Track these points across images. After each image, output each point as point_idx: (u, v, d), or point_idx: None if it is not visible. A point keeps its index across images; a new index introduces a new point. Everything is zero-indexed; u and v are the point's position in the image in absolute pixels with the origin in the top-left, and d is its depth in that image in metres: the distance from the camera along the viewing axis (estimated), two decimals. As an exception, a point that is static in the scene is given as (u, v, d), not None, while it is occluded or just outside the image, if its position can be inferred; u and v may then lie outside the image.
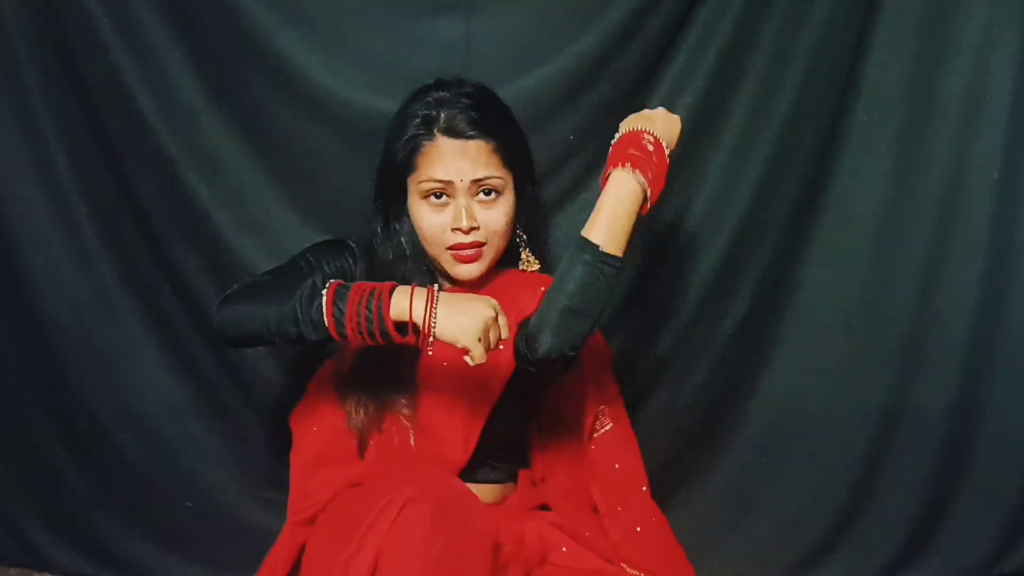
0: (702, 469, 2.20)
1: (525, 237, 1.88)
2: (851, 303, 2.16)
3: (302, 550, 1.77)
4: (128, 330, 2.14)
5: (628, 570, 1.84)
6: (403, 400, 1.80)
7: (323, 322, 1.59)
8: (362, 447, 1.82)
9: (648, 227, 2.05)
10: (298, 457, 1.84)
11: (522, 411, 1.88)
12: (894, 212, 2.15)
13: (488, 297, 1.65)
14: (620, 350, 2.08)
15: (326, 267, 1.81)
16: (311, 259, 1.81)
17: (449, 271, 1.82)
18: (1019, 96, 2.11)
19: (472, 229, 1.77)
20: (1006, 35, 2.10)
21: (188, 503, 2.14)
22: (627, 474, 1.92)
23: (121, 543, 2.16)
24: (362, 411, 1.81)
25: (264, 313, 1.63)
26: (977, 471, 2.18)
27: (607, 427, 1.93)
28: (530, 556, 1.77)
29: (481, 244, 1.79)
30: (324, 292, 1.60)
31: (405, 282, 1.64)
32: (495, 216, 1.79)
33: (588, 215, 2.00)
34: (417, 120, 1.78)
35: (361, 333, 1.59)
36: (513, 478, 1.89)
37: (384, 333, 1.59)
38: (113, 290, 2.14)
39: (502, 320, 1.63)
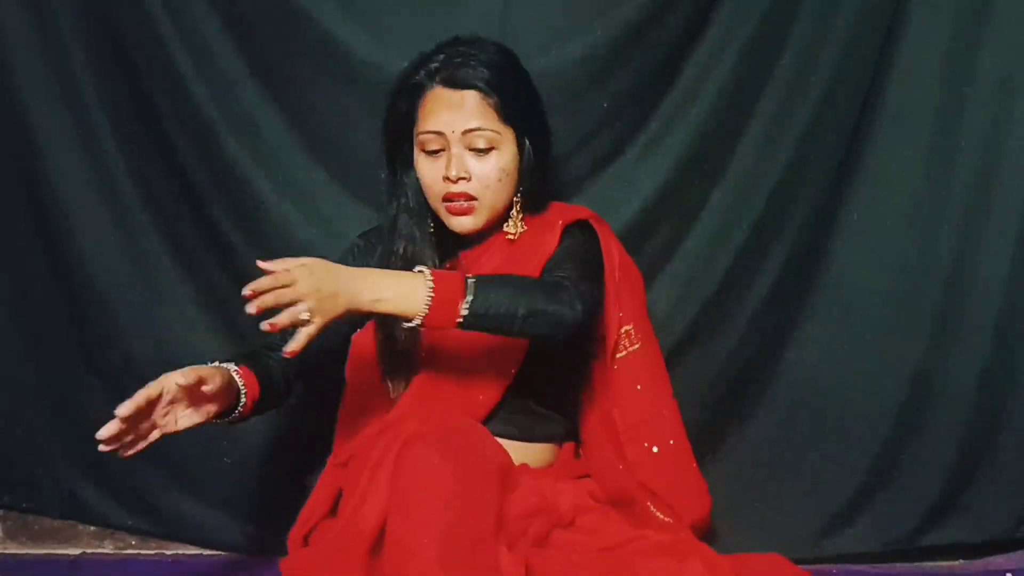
0: (731, 434, 2.21)
1: (518, 199, 1.84)
2: (883, 277, 2.17)
3: (339, 493, 1.80)
4: (169, 289, 2.18)
5: (656, 514, 1.85)
6: (425, 356, 1.81)
7: None
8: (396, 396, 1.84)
9: (680, 198, 2.13)
10: (344, 404, 1.88)
11: (561, 367, 1.86)
12: (928, 189, 2.15)
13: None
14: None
15: None
16: None
17: (447, 224, 1.82)
18: None
19: (460, 179, 1.77)
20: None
21: (227, 459, 2.18)
22: (648, 395, 1.90)
23: (161, 496, 2.20)
24: (394, 363, 1.83)
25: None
26: (1004, 439, 2.16)
27: (634, 347, 1.90)
28: (559, 516, 1.76)
29: (473, 197, 1.78)
30: None
31: (410, 236, 1.75)
32: (487, 169, 1.78)
33: (619, 186, 2.11)
34: (421, 70, 1.80)
35: None
36: (553, 439, 1.89)
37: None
38: (155, 251, 2.18)
39: None
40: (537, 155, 1.84)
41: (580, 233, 1.84)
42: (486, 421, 1.79)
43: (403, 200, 1.86)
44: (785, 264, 2.15)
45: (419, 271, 1.62)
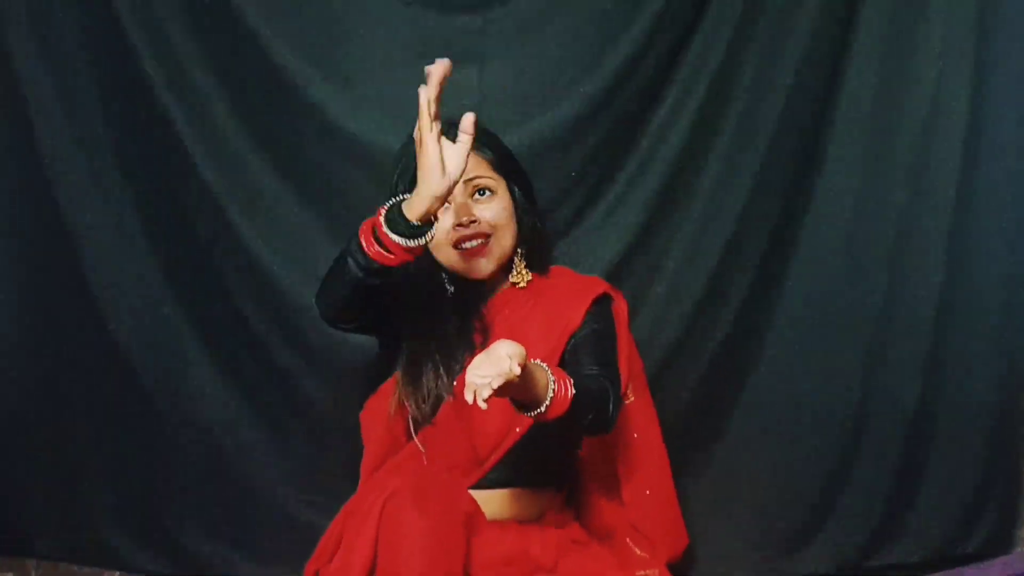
0: (695, 461, 2.34)
1: (521, 251, 1.97)
2: (826, 310, 2.33)
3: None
4: (189, 350, 2.34)
5: (634, 550, 1.97)
6: (447, 394, 1.91)
7: (365, 253, 1.70)
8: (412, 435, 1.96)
9: (649, 245, 2.30)
10: (366, 456, 2.00)
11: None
12: (861, 224, 2.31)
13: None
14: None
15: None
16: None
17: (464, 272, 1.92)
18: (975, 115, 2.27)
19: (472, 222, 1.89)
20: (962, 59, 2.27)
21: (248, 506, 2.33)
22: (643, 442, 2.03)
23: (183, 540, 2.33)
24: (412, 403, 1.93)
25: (334, 280, 1.79)
26: (939, 460, 2.32)
27: (630, 400, 2.02)
28: (538, 562, 1.88)
29: (486, 235, 1.91)
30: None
31: (429, 296, 1.89)
32: (493, 209, 1.92)
33: (589, 242, 2.26)
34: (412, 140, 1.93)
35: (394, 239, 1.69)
36: (555, 487, 2.01)
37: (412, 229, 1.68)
38: (175, 315, 2.34)
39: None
40: (527, 201, 1.99)
41: (602, 312, 1.95)
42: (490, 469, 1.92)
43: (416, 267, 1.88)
44: (740, 310, 2.32)
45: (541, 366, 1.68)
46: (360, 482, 2.01)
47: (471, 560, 1.78)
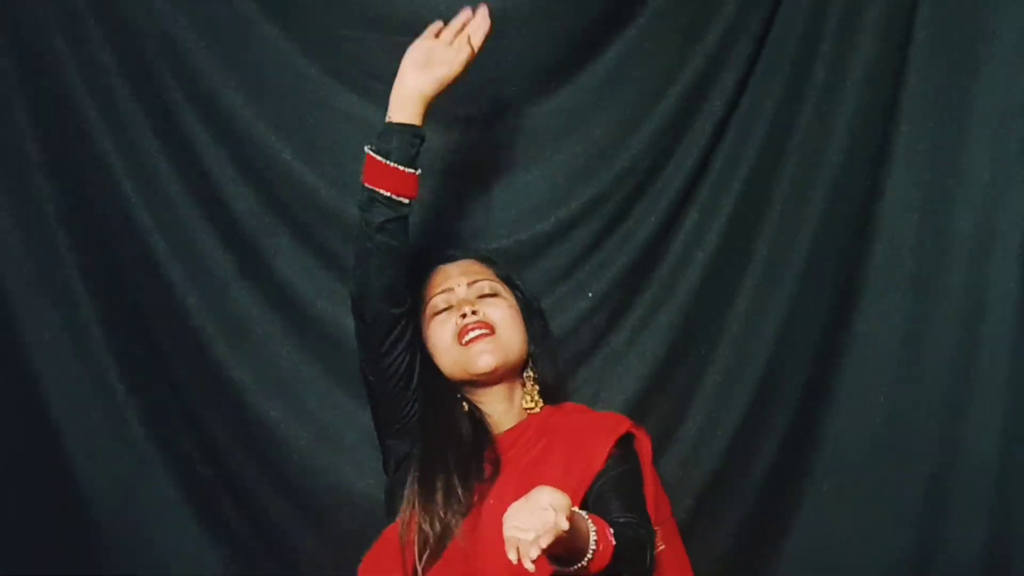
0: None
1: (530, 373, 1.96)
2: (879, 442, 2.18)
3: None
4: (163, 499, 2.18)
5: None
6: (461, 536, 1.81)
7: (377, 196, 1.81)
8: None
9: (674, 376, 2.16)
10: None
11: None
12: (914, 350, 2.17)
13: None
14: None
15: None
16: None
17: (470, 368, 1.89)
18: None
19: (474, 312, 1.89)
20: (1014, 180, 2.13)
21: None
22: None
23: None
24: (422, 537, 1.82)
25: (356, 248, 1.85)
26: None
27: (660, 548, 1.92)
28: None
29: (489, 324, 1.89)
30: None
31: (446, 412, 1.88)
32: (498, 308, 1.92)
33: (606, 377, 2.15)
34: (421, 263, 1.98)
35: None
36: None
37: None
38: (148, 460, 2.18)
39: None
40: (532, 310, 1.99)
41: (627, 453, 1.89)
42: None
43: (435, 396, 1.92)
44: (785, 435, 2.17)
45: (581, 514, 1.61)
46: None
47: None
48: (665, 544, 1.93)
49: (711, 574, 2.12)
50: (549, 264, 2.13)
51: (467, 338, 1.89)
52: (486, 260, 2.01)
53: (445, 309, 1.92)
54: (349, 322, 2.00)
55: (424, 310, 1.94)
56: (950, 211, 2.16)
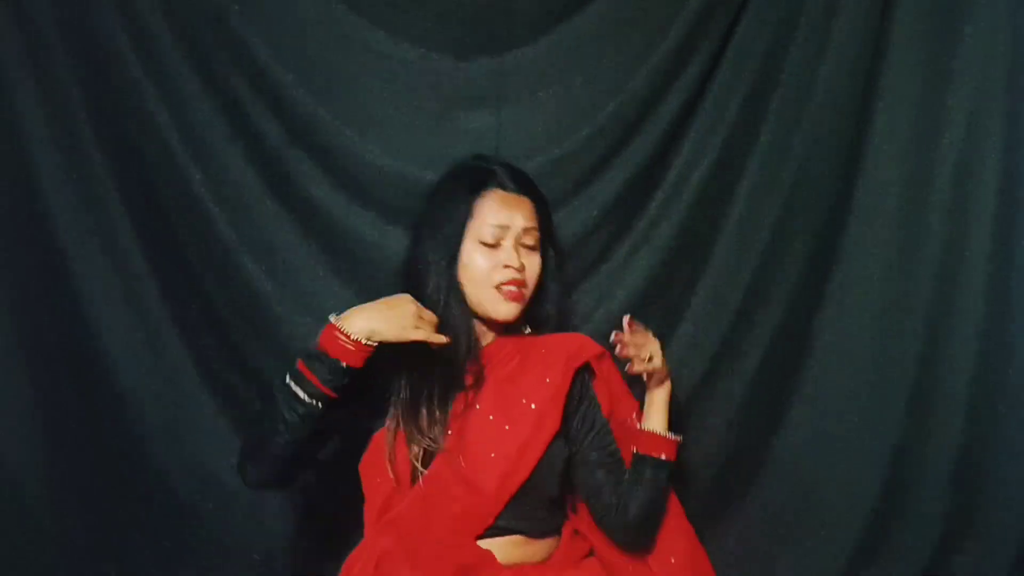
0: (724, 517, 2.30)
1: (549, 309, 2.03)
2: (861, 357, 2.29)
3: None
4: (198, 405, 2.28)
5: None
6: (447, 446, 1.89)
7: (296, 393, 1.77)
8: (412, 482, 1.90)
9: (668, 288, 2.26)
10: (368, 507, 1.93)
11: (565, 469, 1.96)
12: (896, 278, 2.28)
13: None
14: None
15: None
16: None
17: (491, 311, 1.94)
18: (1008, 170, 2.24)
19: (521, 268, 1.93)
20: (992, 117, 2.25)
21: (255, 556, 2.26)
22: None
23: None
24: (412, 449, 1.89)
25: (262, 431, 1.81)
26: (984, 506, 2.24)
27: None
28: None
29: (526, 284, 1.94)
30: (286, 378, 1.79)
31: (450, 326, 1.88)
32: (534, 265, 1.96)
33: (608, 287, 2.23)
34: (473, 175, 1.98)
35: (324, 381, 1.77)
36: (558, 531, 1.98)
37: (338, 371, 1.77)
38: (183, 369, 2.28)
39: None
40: (558, 269, 2.04)
41: (588, 385, 2.00)
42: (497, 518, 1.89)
43: (448, 297, 1.94)
44: (769, 348, 2.28)
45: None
46: (365, 531, 1.94)
47: None
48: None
49: (702, 475, 2.24)
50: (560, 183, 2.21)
51: (506, 290, 1.92)
52: (539, 203, 1.99)
53: (491, 244, 1.93)
54: (372, 236, 2.15)
55: (469, 223, 1.93)
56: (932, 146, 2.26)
